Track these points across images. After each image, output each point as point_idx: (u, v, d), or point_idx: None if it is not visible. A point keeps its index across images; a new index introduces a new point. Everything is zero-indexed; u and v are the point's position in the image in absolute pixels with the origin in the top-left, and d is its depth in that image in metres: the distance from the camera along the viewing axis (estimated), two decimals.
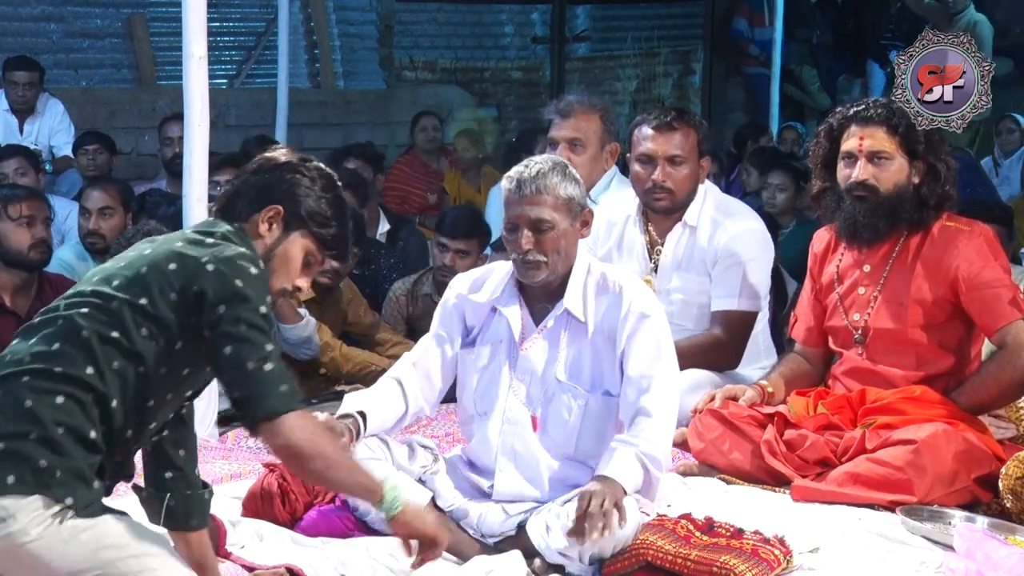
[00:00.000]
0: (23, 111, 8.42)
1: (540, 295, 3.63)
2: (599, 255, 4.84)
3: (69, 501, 2.72)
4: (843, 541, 3.59)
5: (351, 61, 11.37)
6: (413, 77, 11.99)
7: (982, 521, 3.74)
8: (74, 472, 2.73)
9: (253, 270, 2.83)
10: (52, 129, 8.49)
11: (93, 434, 2.74)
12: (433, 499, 3.60)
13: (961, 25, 11.01)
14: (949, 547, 3.55)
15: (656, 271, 4.77)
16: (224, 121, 9.21)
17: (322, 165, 3.04)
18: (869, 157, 4.15)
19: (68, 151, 8.27)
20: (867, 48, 12.34)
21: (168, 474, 3.02)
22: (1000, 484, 3.81)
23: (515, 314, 3.64)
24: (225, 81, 10.39)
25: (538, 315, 3.65)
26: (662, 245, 4.77)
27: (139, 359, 2.78)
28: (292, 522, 3.66)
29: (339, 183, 3.03)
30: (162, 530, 3.05)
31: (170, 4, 9.70)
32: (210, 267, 2.80)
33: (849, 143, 4.19)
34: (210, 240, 2.87)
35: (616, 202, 4.93)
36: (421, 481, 3.65)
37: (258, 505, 3.68)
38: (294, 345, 5.39)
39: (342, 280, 5.80)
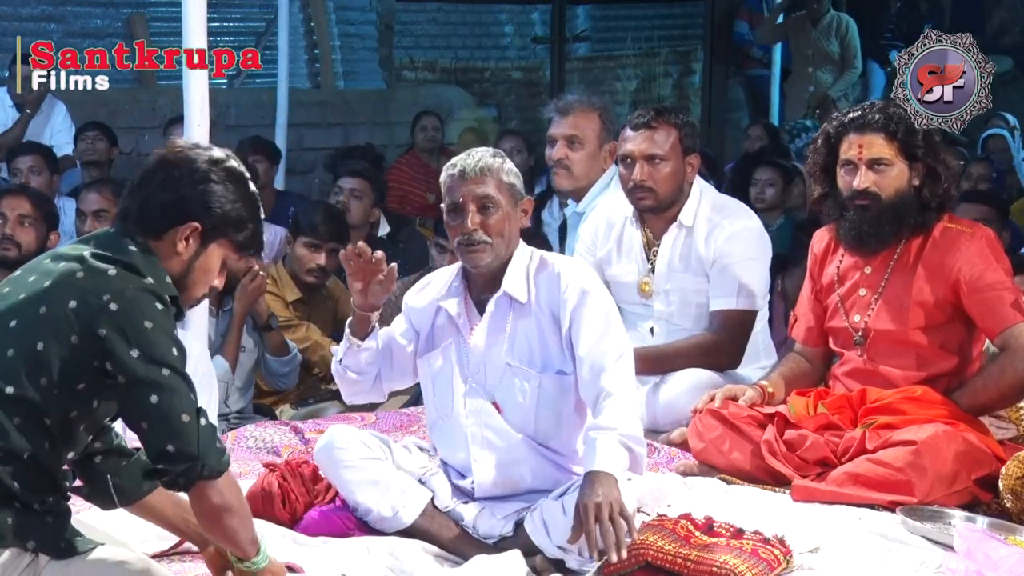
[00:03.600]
0: (27, 106, 8.43)
1: (483, 285, 3.63)
2: (598, 256, 4.86)
3: (31, 545, 2.72)
4: (843, 541, 3.58)
5: (351, 61, 11.36)
6: (413, 77, 12.00)
7: (982, 521, 3.74)
8: (22, 514, 2.71)
9: (159, 306, 2.73)
10: (54, 128, 8.49)
11: (17, 485, 2.70)
12: (432, 499, 3.61)
13: (827, 25, 10.94)
14: (949, 547, 3.55)
15: (653, 272, 4.77)
16: (224, 121, 9.21)
17: (230, 161, 2.90)
18: (869, 164, 4.15)
19: (69, 151, 8.28)
20: (867, 48, 12.33)
21: (97, 459, 2.97)
22: (1000, 484, 3.82)
23: (455, 304, 3.63)
24: (225, 81, 10.39)
25: (482, 305, 3.64)
26: (658, 246, 4.77)
27: (41, 409, 2.71)
28: (292, 522, 3.67)
29: (247, 176, 2.92)
30: (126, 532, 3.05)
31: (170, 4, 9.70)
32: (113, 306, 2.69)
33: (848, 152, 4.18)
34: (113, 271, 2.73)
35: (615, 204, 4.93)
36: (421, 482, 3.65)
37: (258, 505, 3.68)
38: (274, 376, 5.40)
39: (328, 278, 5.80)
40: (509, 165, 3.62)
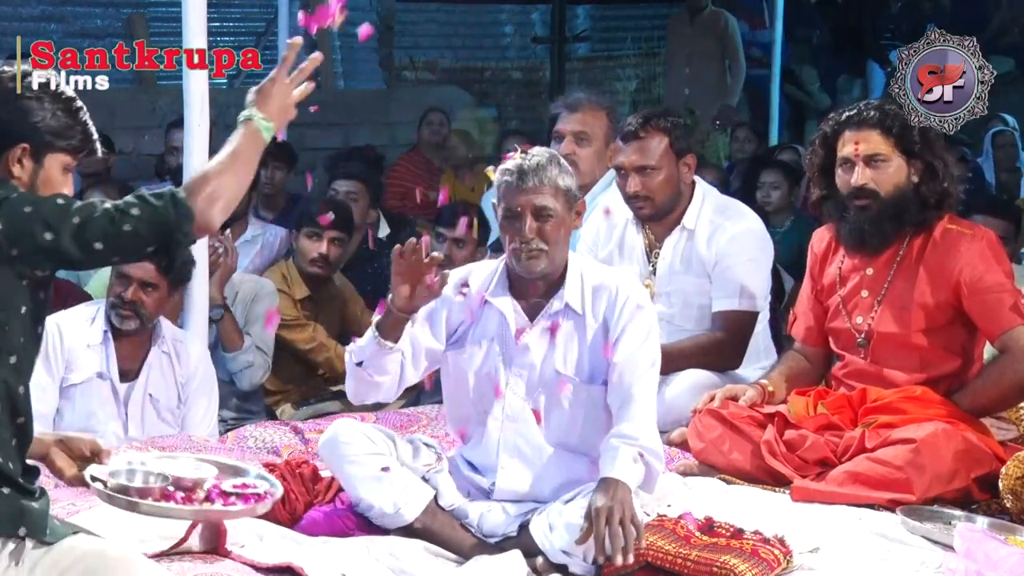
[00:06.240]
0: None
1: (532, 289, 3.63)
2: (600, 257, 4.85)
3: (23, 531, 2.73)
4: (843, 541, 3.59)
5: (351, 61, 11.37)
6: (413, 77, 12.00)
7: (982, 521, 3.74)
8: (10, 499, 2.73)
9: (21, 190, 2.78)
10: None
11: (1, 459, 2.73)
12: (436, 497, 3.61)
13: (705, 20, 10.72)
14: (949, 547, 3.56)
15: (655, 274, 4.77)
16: (224, 121, 9.21)
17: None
18: (866, 161, 4.14)
19: None
20: (867, 48, 12.32)
21: None
22: (1000, 484, 3.82)
23: (508, 306, 3.63)
24: (225, 81, 10.39)
25: (531, 309, 3.64)
26: (660, 248, 4.77)
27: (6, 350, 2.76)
28: (292, 522, 3.67)
29: (59, 83, 2.91)
30: (127, 532, 3.07)
31: (170, 4, 9.70)
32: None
33: (845, 149, 4.18)
34: None
35: (616, 205, 4.92)
36: (425, 479, 3.65)
37: None
38: (238, 373, 5.34)
39: (333, 270, 5.78)
40: (565, 167, 3.61)
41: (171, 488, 3.01)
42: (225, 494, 3.05)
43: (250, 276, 5.63)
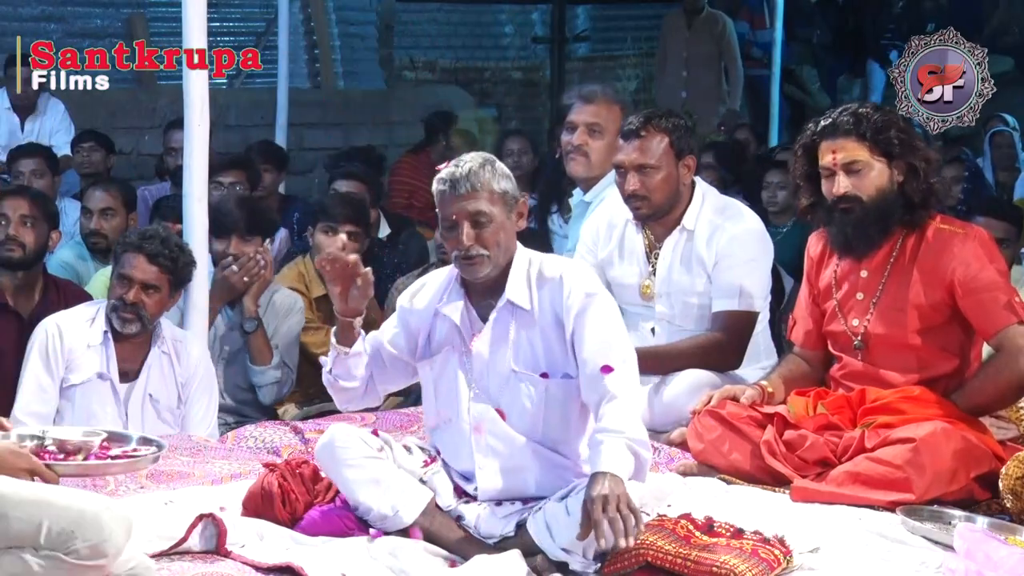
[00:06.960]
0: (25, 109, 8.43)
1: (483, 291, 3.63)
2: (600, 258, 4.86)
3: None
4: (843, 541, 3.59)
5: (351, 61, 11.38)
6: (413, 77, 12.01)
7: (982, 521, 3.74)
8: None
9: None
10: (53, 128, 8.50)
11: None
12: (433, 498, 3.61)
13: (702, 23, 10.69)
14: (949, 547, 3.56)
15: (655, 274, 4.77)
16: (224, 121, 9.22)
17: None
18: (845, 169, 4.12)
19: (68, 150, 8.29)
20: (867, 48, 12.33)
21: None
22: (1000, 484, 3.82)
23: (457, 312, 3.63)
24: (225, 81, 10.40)
25: (483, 311, 3.64)
26: (660, 249, 4.77)
27: None
28: (292, 522, 3.67)
29: None
30: None
31: (170, 4, 9.72)
32: None
33: (824, 159, 4.17)
34: None
35: (616, 205, 4.92)
36: (423, 481, 3.65)
37: (258, 505, 3.69)
38: (262, 388, 5.33)
39: None
40: (500, 170, 3.59)
41: (53, 449, 3.19)
42: (111, 457, 3.25)
43: (287, 290, 5.57)
